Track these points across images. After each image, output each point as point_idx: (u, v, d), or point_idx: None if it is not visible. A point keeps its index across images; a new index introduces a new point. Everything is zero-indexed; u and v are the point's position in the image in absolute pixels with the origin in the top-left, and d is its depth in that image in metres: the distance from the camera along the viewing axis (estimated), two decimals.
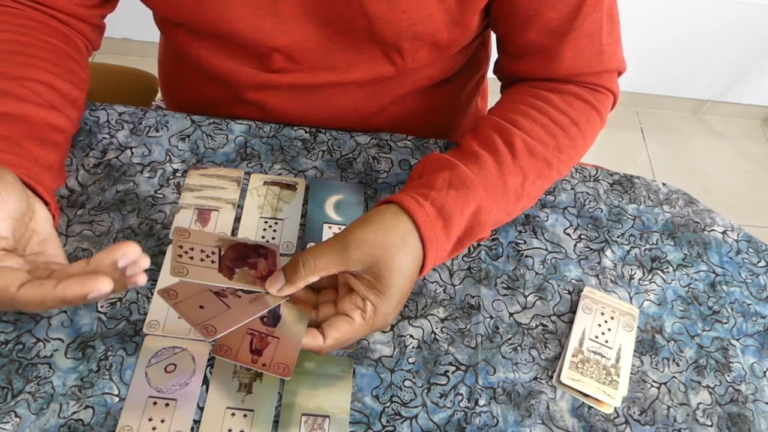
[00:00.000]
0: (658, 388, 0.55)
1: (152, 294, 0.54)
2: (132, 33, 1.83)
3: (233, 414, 0.49)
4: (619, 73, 0.64)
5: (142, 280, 0.41)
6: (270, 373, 0.45)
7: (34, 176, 0.46)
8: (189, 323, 0.44)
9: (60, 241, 0.47)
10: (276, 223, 0.60)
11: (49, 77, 0.53)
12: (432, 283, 0.58)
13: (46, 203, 0.47)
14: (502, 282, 0.59)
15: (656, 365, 0.56)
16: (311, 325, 0.48)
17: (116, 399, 0.49)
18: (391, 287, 0.47)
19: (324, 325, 0.47)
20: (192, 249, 0.49)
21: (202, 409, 0.49)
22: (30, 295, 0.38)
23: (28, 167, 0.47)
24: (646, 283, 0.61)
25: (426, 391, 0.52)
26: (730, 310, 0.61)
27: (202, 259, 0.49)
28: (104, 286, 0.38)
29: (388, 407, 0.51)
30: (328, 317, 0.48)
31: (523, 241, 0.62)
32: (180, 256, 0.48)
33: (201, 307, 0.45)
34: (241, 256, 0.50)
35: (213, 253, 0.49)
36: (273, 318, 0.48)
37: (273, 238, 0.59)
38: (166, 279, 0.54)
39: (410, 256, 0.48)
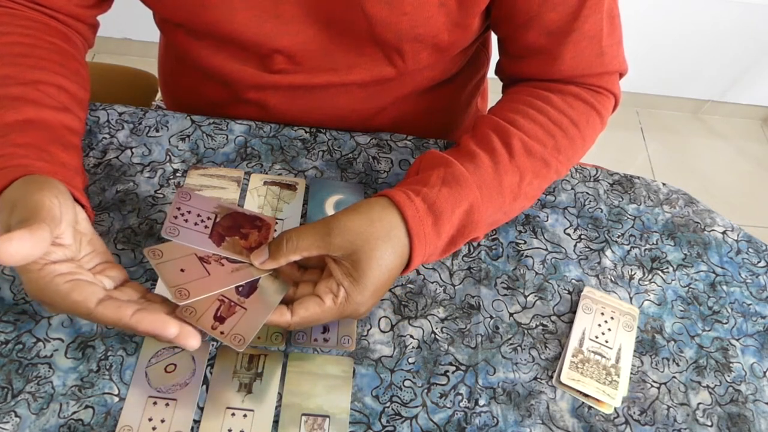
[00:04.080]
0: (658, 388, 0.55)
1: None
2: (132, 33, 1.83)
3: (233, 414, 0.49)
4: (621, 75, 0.64)
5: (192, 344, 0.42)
6: (224, 342, 0.44)
7: (68, 181, 0.47)
8: (165, 284, 0.44)
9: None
10: (276, 223, 0.60)
11: (58, 79, 0.53)
12: (432, 283, 0.58)
13: (82, 205, 0.47)
14: (502, 282, 0.59)
15: (656, 365, 0.56)
16: (286, 301, 0.48)
17: (116, 399, 0.49)
18: (366, 277, 0.47)
19: (295, 303, 0.48)
20: (189, 212, 0.50)
21: (202, 409, 0.49)
22: (107, 313, 0.41)
23: (62, 173, 0.47)
24: (646, 283, 0.61)
25: (426, 391, 0.52)
26: (730, 310, 0.61)
27: (196, 223, 0.49)
28: (171, 331, 0.41)
29: (388, 407, 0.51)
30: (304, 296, 0.49)
31: (523, 241, 0.62)
32: (176, 217, 0.49)
33: (182, 270, 0.46)
34: (236, 225, 0.51)
35: (208, 218, 0.50)
36: (248, 288, 0.48)
37: (273, 238, 0.59)
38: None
39: (392, 250, 0.48)
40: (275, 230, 0.57)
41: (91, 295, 0.41)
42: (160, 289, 0.54)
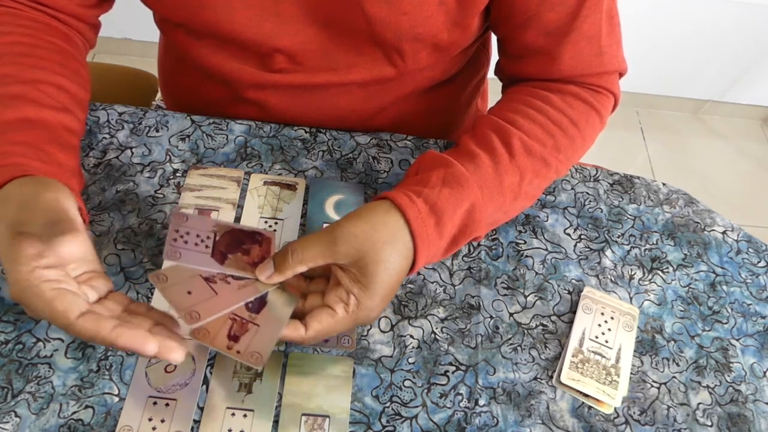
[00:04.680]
0: (658, 388, 0.55)
1: (152, 294, 0.54)
2: (132, 33, 1.83)
3: (233, 414, 0.49)
4: (621, 75, 0.64)
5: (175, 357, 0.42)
6: (242, 360, 0.44)
7: (65, 182, 0.47)
8: (174, 308, 0.44)
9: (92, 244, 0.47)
10: (276, 223, 0.60)
11: (58, 79, 0.53)
12: (432, 283, 0.58)
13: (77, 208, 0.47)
14: (502, 282, 0.59)
15: (656, 365, 0.56)
16: (297, 314, 0.48)
17: (116, 399, 0.49)
18: (375, 282, 0.47)
19: (307, 317, 0.47)
20: (188, 233, 0.49)
21: (202, 409, 0.49)
22: (87, 326, 0.40)
23: (58, 174, 0.47)
24: (646, 283, 0.61)
25: (426, 391, 0.52)
26: (730, 310, 0.61)
27: (196, 244, 0.49)
28: (150, 348, 0.40)
29: (388, 407, 0.51)
30: (314, 307, 0.48)
31: (523, 241, 0.62)
32: (175, 240, 0.48)
33: (189, 292, 0.45)
34: (236, 242, 0.51)
35: (208, 237, 0.50)
36: (257, 304, 0.48)
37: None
38: None
39: (398, 252, 0.48)
40: (275, 230, 0.57)
41: (74, 306, 0.40)
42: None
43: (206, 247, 0.49)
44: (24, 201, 0.42)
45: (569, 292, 0.60)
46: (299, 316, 0.48)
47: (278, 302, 0.48)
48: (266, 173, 0.64)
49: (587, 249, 0.63)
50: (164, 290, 0.45)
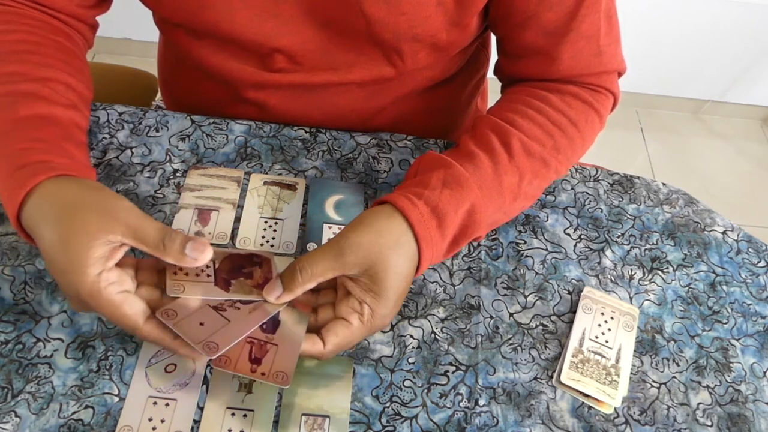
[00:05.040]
0: (658, 388, 0.55)
1: None
2: (132, 33, 1.83)
3: (233, 414, 0.49)
4: (620, 74, 0.64)
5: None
6: (269, 382, 0.44)
7: (86, 177, 0.47)
8: (190, 342, 0.43)
9: None
10: (276, 223, 0.60)
11: (65, 77, 0.53)
12: (432, 283, 0.58)
13: None
14: (502, 282, 0.59)
15: (656, 365, 0.56)
16: (311, 329, 0.48)
17: (116, 399, 0.49)
18: (387, 289, 0.47)
19: (323, 331, 0.47)
20: None
21: (202, 409, 0.49)
22: (152, 332, 0.44)
23: (78, 169, 0.47)
24: (646, 283, 0.61)
25: (426, 391, 0.52)
26: (730, 310, 0.61)
27: (197, 275, 0.48)
28: (203, 359, 0.48)
29: (388, 407, 0.51)
30: (327, 321, 0.48)
31: (523, 241, 0.62)
32: (175, 273, 0.47)
33: (201, 324, 0.45)
34: (236, 267, 0.50)
35: (207, 266, 0.49)
36: (272, 324, 0.47)
37: (273, 238, 0.59)
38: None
39: (405, 256, 0.48)
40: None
41: (140, 312, 0.44)
42: None
43: (207, 276, 0.48)
44: (92, 204, 0.44)
45: (569, 292, 0.60)
46: (313, 330, 0.48)
47: (291, 319, 0.48)
48: (266, 173, 0.64)
49: (587, 249, 0.63)
50: (176, 325, 0.44)
